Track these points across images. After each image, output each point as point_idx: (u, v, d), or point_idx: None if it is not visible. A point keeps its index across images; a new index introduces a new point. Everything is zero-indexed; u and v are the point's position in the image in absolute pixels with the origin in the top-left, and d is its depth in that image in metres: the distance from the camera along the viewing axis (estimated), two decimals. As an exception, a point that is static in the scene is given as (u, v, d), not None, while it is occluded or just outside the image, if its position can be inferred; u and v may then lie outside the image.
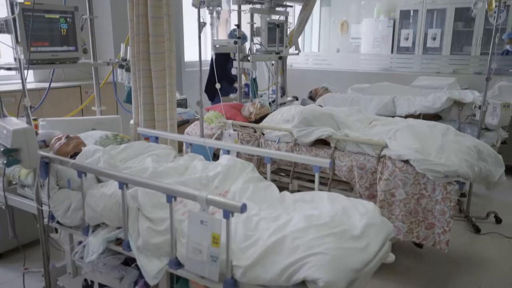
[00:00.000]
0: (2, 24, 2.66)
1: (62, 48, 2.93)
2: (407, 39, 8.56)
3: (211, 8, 2.78)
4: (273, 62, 5.22)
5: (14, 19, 1.89)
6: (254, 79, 4.78)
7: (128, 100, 3.45)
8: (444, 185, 2.40)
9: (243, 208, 1.52)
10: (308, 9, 5.13)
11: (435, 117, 3.96)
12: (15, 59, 2.82)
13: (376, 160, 2.64)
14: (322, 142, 2.96)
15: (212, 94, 5.49)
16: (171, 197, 1.71)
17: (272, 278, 1.52)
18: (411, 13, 8.38)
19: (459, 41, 8.02)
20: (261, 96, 5.00)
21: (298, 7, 5.63)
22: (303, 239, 1.56)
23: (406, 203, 2.52)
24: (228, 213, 1.55)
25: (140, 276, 2.02)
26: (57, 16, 2.87)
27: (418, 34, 8.30)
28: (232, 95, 5.17)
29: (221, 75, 5.34)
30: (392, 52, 8.66)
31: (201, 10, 2.64)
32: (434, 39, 8.21)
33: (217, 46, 4.43)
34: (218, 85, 3.03)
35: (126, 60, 3.32)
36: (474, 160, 2.60)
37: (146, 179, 1.87)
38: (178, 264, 1.76)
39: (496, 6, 3.19)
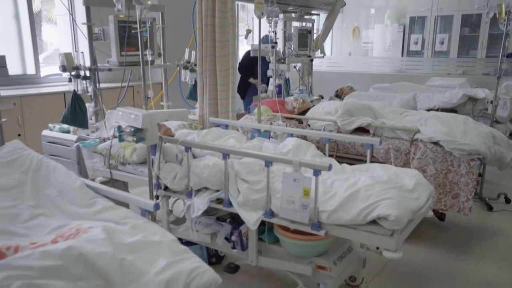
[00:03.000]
0: (100, 33, 3.26)
1: (144, 53, 3.50)
2: (416, 43, 9.15)
3: (270, 18, 3.35)
4: (296, 65, 5.78)
5: (148, 31, 2.43)
6: (288, 79, 5.35)
7: (191, 96, 4.01)
8: (468, 161, 2.96)
9: (330, 167, 2.08)
10: (332, 17, 5.70)
11: (451, 111, 4.51)
12: (107, 61, 3.41)
13: (409, 143, 3.21)
14: (361, 130, 3.53)
15: (243, 94, 6.06)
16: (268, 162, 2.27)
17: (351, 218, 2.07)
18: (420, 19, 8.97)
19: (466, 45, 8.58)
20: (292, 95, 5.56)
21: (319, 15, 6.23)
22: (373, 190, 2.12)
23: (435, 177, 3.08)
24: (317, 171, 2.11)
25: (233, 228, 2.58)
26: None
27: (427, 38, 8.86)
28: (263, 94, 5.74)
29: (250, 76, 5.93)
30: (402, 55, 9.24)
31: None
32: (442, 43, 8.77)
33: (254, 49, 5.00)
34: (271, 87, 3.59)
35: (189, 62, 3.90)
36: (490, 143, 3.17)
37: (247, 149, 2.43)
38: (271, 215, 2.32)
39: (506, 14, 3.76)
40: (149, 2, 2.35)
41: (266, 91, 5.76)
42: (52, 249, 1.26)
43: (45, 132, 3.60)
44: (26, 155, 2.15)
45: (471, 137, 3.04)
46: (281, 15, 5.13)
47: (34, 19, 4.65)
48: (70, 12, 3.81)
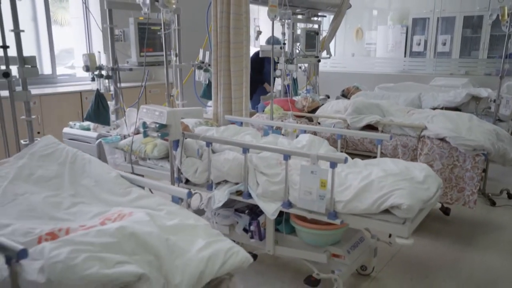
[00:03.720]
0: (121, 34, 3.41)
1: (161, 53, 3.64)
2: (419, 44, 9.28)
3: (283, 20, 3.50)
4: (301, 65, 5.92)
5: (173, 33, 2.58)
6: (295, 79, 5.49)
7: (204, 95, 4.16)
8: (473, 157, 3.11)
9: (346, 160, 2.23)
10: (339, 18, 5.84)
11: (455, 110, 4.66)
12: (127, 62, 3.56)
13: (416, 140, 3.36)
14: (369, 128, 3.68)
15: (250, 93, 6.19)
16: (287, 156, 2.41)
17: (366, 208, 2.22)
18: (423, 21, 9.11)
19: (467, 46, 8.71)
20: (299, 95, 5.71)
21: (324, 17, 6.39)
22: (386, 182, 2.27)
23: (442, 172, 3.23)
24: (334, 164, 2.25)
25: (252, 219, 2.72)
26: (158, 27, 3.58)
27: (430, 39, 8.99)
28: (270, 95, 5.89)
29: (257, 77, 6.07)
30: (405, 56, 9.38)
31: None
32: (444, 44, 8.90)
33: (263, 50, 5.15)
34: (278, 87, 3.77)
35: (203, 62, 4.04)
36: (494, 139, 3.32)
37: (266, 144, 2.58)
38: (289, 205, 2.46)
39: (508, 16, 3.92)
40: (174, 6, 2.50)
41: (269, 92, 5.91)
42: (106, 228, 1.41)
43: (66, 130, 3.75)
44: (61, 148, 2.30)
45: (476, 133, 3.19)
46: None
47: (50, 22, 4.80)
48: (90, 13, 3.96)
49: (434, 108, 4.56)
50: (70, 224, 1.66)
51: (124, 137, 3.35)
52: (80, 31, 5.30)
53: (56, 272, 1.22)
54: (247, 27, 3.61)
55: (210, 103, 4.44)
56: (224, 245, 1.55)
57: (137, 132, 3.25)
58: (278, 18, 3.44)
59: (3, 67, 2.61)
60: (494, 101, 4.24)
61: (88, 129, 3.67)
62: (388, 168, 2.53)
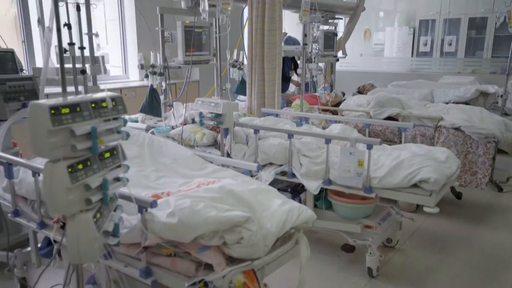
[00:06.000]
0: (168, 36, 3.81)
1: (202, 53, 4.04)
2: (425, 44, 9.68)
3: (313, 23, 3.91)
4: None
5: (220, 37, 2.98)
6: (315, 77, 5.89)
7: (237, 91, 4.57)
8: (485, 144, 3.52)
9: (380, 142, 2.64)
10: (354, 20, 6.25)
11: (464, 104, 5.06)
12: (172, 61, 3.96)
13: (433, 129, 3.77)
14: (389, 119, 4.08)
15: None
16: (328, 140, 2.82)
17: (398, 183, 2.62)
18: (430, 22, 9.52)
19: (472, 46, 9.11)
20: (317, 92, 6.11)
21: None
22: (414, 161, 2.68)
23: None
24: (370, 145, 2.66)
25: (293, 196, 3.12)
26: (200, 30, 3.99)
27: (436, 40, 9.39)
28: (288, 92, 6.31)
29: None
30: (412, 55, 9.78)
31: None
32: (450, 44, 9.30)
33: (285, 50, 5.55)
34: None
35: (237, 61, 4.45)
36: (503, 129, 3.73)
37: (307, 131, 2.99)
38: (329, 183, 2.87)
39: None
40: (229, 12, 2.90)
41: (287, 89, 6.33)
42: (211, 187, 1.82)
43: (116, 122, 4.15)
44: (137, 133, 2.70)
45: (487, 123, 3.60)
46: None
47: (91, 25, 5.19)
48: (143, 16, 4.37)
49: (446, 103, 4.97)
50: (168, 190, 2.06)
51: (172, 127, 3.75)
52: (115, 32, 5.72)
53: (185, 215, 1.62)
54: (280, 28, 4.01)
55: (240, 97, 4.85)
56: (296, 204, 1.96)
57: (184, 123, 3.66)
58: (309, 21, 3.84)
59: (78, 65, 3.03)
60: (501, 96, 4.64)
61: (136, 121, 4.07)
62: (414, 150, 2.94)
